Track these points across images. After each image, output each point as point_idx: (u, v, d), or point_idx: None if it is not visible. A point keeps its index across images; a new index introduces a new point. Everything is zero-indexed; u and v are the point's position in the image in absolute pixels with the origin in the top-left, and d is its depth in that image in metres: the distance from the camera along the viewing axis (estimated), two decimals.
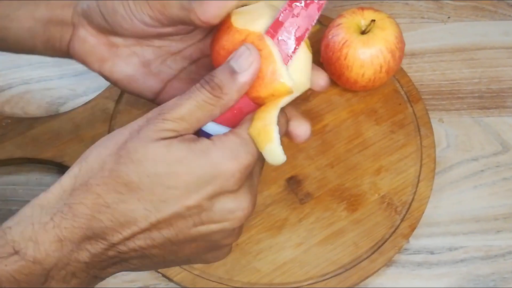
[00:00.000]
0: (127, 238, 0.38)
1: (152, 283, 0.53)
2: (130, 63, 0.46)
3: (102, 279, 0.41)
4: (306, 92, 0.61)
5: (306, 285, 0.52)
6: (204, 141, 0.38)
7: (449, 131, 0.61)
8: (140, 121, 0.39)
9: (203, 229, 0.39)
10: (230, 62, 0.39)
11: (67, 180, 0.38)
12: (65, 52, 0.47)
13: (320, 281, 0.52)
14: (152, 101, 0.48)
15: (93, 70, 0.47)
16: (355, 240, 0.54)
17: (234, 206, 0.38)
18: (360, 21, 0.59)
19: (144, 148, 0.37)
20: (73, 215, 0.37)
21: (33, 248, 0.37)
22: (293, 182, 0.57)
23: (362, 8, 0.59)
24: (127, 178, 0.37)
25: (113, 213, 0.37)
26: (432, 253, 0.54)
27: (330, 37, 0.59)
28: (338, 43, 0.58)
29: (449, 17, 0.69)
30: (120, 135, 0.39)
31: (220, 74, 0.39)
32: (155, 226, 0.38)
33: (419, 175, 0.57)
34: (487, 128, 0.61)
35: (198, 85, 0.38)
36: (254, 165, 0.39)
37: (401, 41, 0.58)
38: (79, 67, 0.65)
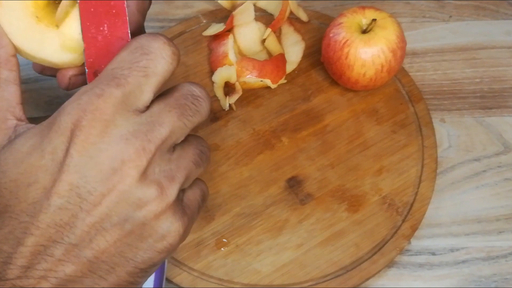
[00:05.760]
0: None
1: None
2: None
3: None
4: (307, 92, 0.62)
5: (306, 286, 0.51)
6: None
7: (450, 131, 0.61)
8: None
9: None
10: None
11: None
12: None
13: (320, 283, 0.51)
14: None
15: None
16: (356, 241, 0.53)
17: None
18: (361, 20, 0.58)
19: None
20: None
21: None
22: (294, 183, 0.56)
23: (363, 7, 0.59)
24: None
25: None
26: (433, 254, 0.54)
27: (331, 36, 0.58)
28: (339, 42, 0.57)
29: (450, 16, 0.68)
30: None
31: None
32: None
33: (420, 176, 0.57)
34: (489, 128, 0.61)
35: None
36: None
37: (402, 41, 0.58)
38: None
